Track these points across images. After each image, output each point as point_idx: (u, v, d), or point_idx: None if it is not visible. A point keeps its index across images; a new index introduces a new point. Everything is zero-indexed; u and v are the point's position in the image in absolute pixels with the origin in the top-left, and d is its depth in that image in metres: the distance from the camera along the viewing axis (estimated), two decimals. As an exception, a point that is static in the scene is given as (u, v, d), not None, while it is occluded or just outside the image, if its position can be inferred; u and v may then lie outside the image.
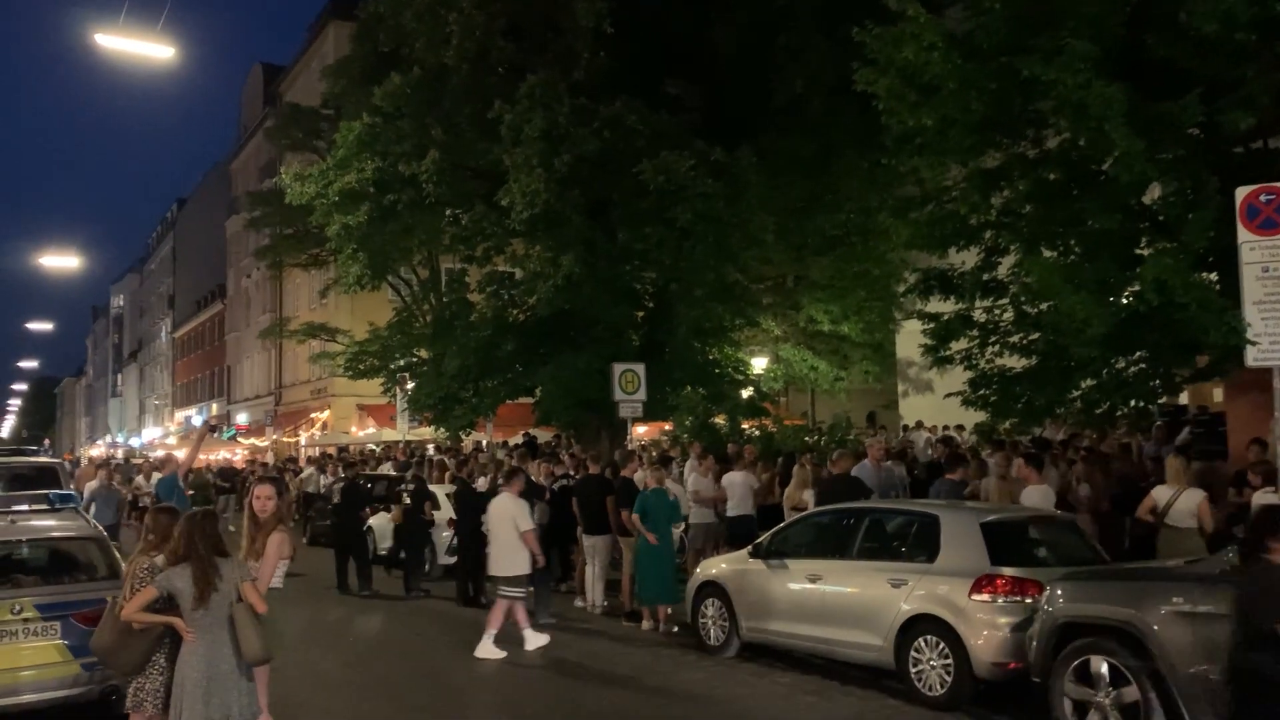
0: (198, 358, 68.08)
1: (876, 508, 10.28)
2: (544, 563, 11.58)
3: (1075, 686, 7.01)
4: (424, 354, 24.67)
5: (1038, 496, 10.34)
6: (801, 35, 18.74)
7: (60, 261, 34.44)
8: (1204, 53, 9.72)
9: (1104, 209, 10.34)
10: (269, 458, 39.05)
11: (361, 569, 15.31)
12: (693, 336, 20.83)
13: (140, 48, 14.62)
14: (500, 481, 14.18)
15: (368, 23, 23.06)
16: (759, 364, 25.51)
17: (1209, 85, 9.78)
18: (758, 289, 23.79)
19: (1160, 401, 12.74)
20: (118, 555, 8.26)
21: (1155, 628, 6.45)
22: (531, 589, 11.46)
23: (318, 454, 34.70)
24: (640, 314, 21.49)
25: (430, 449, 26.63)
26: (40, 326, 69.36)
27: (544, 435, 24.97)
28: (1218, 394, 13.32)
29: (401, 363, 25.84)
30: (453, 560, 15.17)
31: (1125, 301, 10.28)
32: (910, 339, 19.94)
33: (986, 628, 7.99)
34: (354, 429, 38.40)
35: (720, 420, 20.91)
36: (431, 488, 16.30)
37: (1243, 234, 8.94)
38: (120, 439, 79.89)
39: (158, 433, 71.27)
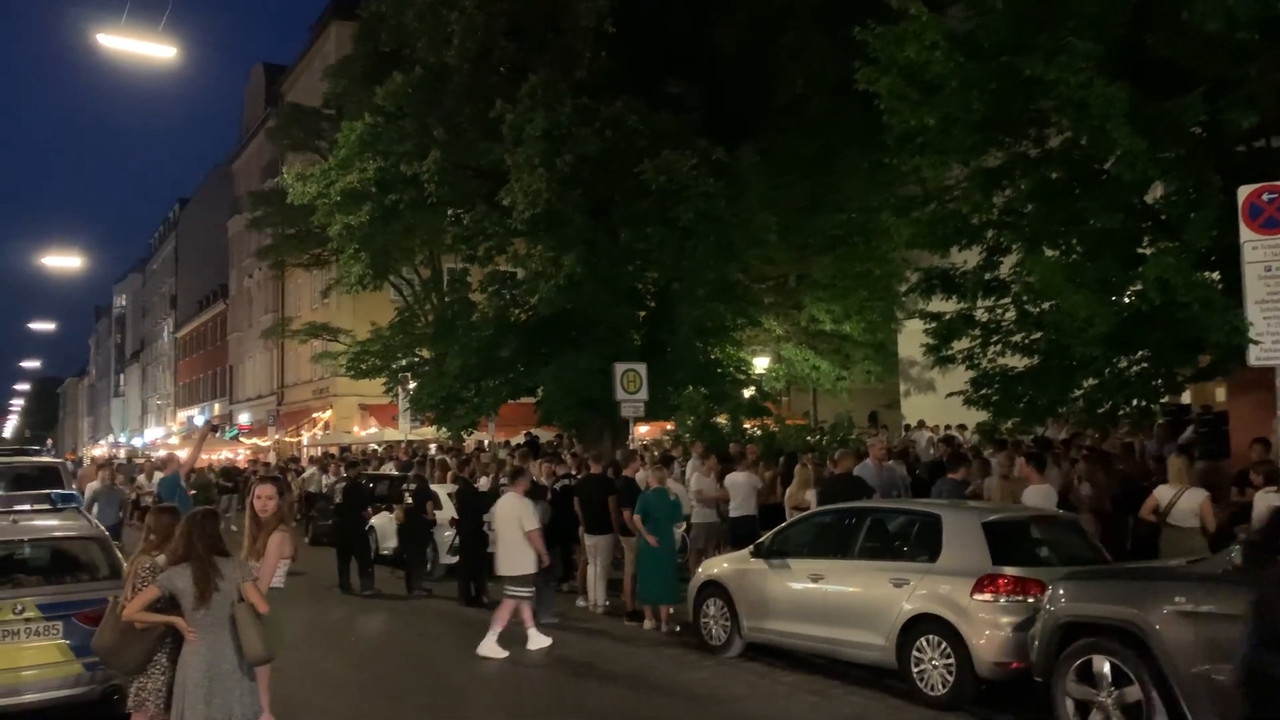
0: (200, 358, 68.12)
1: (878, 507, 10.28)
2: (549, 562, 11.59)
3: (1077, 686, 7.00)
4: (426, 354, 24.68)
5: (1039, 496, 10.33)
6: (802, 35, 18.74)
7: (63, 261, 34.50)
8: (1206, 51, 9.71)
9: (1106, 208, 10.33)
10: (271, 458, 39.06)
11: (363, 569, 15.31)
12: (694, 336, 20.83)
13: (142, 48, 14.62)
14: (502, 481, 14.21)
15: (369, 22, 23.07)
16: (761, 364, 25.48)
17: (1211, 84, 9.76)
18: (759, 289, 23.79)
19: (1163, 401, 12.72)
20: (119, 555, 8.26)
21: (1157, 627, 6.43)
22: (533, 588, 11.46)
23: (320, 454, 34.71)
24: (642, 314, 21.49)
25: (432, 449, 26.63)
26: (43, 326, 69.37)
27: (546, 435, 24.97)
28: (1220, 393, 13.30)
29: (403, 362, 25.84)
30: (455, 560, 15.18)
31: (1127, 301, 10.27)
32: (912, 338, 19.93)
33: (988, 627, 7.98)
34: (356, 429, 38.41)
35: (722, 420, 20.91)
36: (433, 487, 16.30)
37: (1245, 233, 8.94)
38: (123, 439, 79.96)
39: (160, 433, 71.29)
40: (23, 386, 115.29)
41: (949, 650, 8.15)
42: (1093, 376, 11.12)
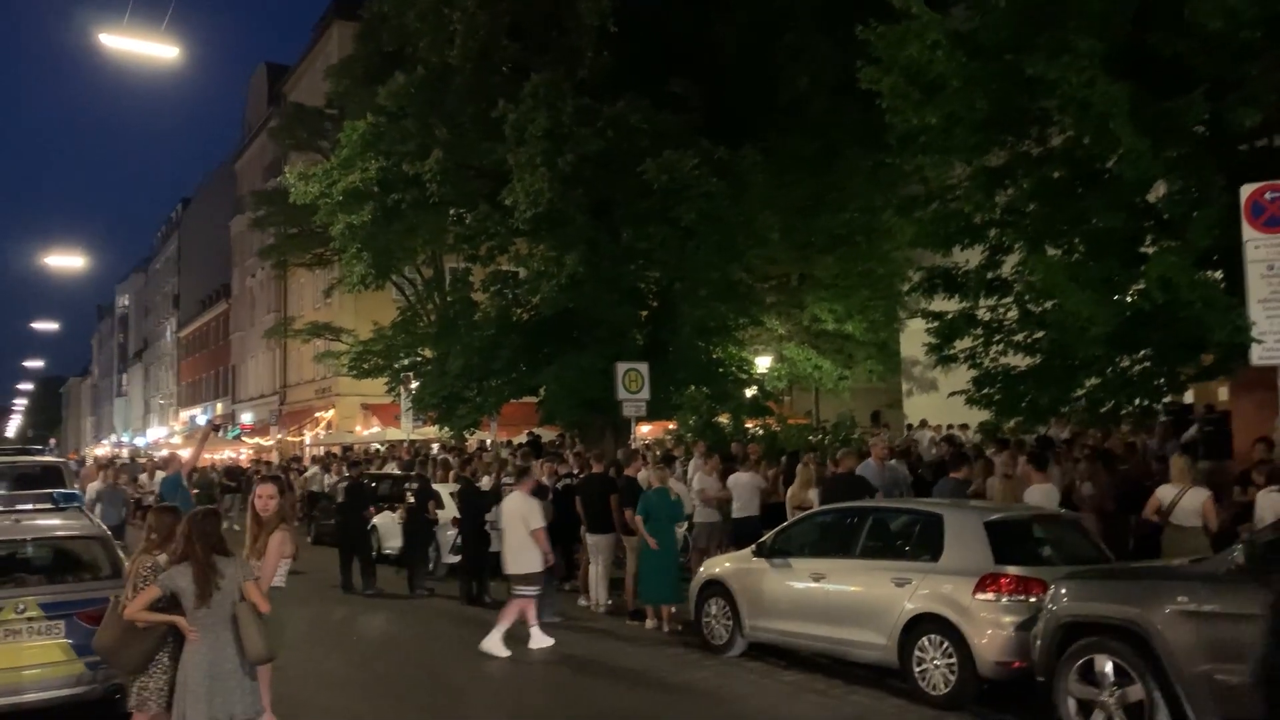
0: (202, 357, 68.18)
1: (880, 507, 10.27)
2: (554, 561, 11.59)
3: (1079, 685, 6.99)
4: (428, 353, 24.69)
5: (1041, 495, 10.33)
6: (803, 34, 18.74)
7: (65, 261, 34.55)
8: (1209, 50, 9.70)
9: (1108, 207, 10.33)
10: (274, 457, 39.09)
11: (365, 568, 15.31)
12: (696, 336, 20.83)
13: (145, 47, 14.63)
14: (505, 480, 14.21)
15: (371, 22, 23.10)
16: (763, 363, 25.48)
17: (1214, 83, 9.75)
18: (762, 288, 23.80)
19: (1165, 401, 12.71)
20: (121, 554, 8.26)
21: (1160, 627, 6.42)
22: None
23: (322, 453, 34.72)
24: (644, 313, 21.49)
25: (434, 448, 26.63)
26: (46, 326, 69.52)
27: (548, 434, 24.97)
28: (1223, 392, 13.29)
29: (406, 362, 25.85)
30: (457, 559, 15.18)
31: (1130, 300, 10.26)
32: (914, 338, 19.92)
33: (990, 627, 7.97)
34: (358, 428, 38.42)
35: (724, 419, 20.91)
36: (435, 487, 16.30)
37: (1247, 232, 8.92)
38: (125, 438, 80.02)
39: (163, 432, 71.35)
40: (26, 386, 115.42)
41: (951, 650, 8.15)
42: (1095, 376, 11.12)
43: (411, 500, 15.53)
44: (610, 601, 13.19)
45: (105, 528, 9.31)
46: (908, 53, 10.87)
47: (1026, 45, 10.17)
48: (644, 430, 23.78)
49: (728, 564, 10.85)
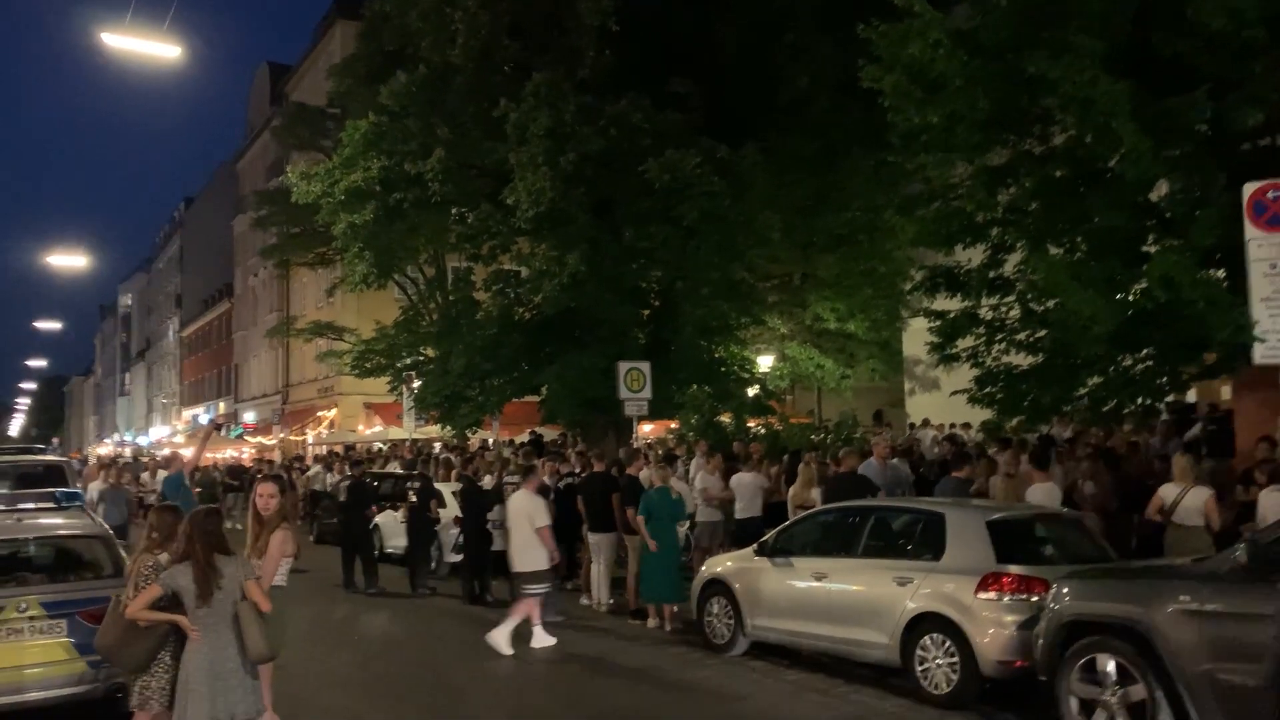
0: (205, 356, 68.24)
1: (882, 506, 10.27)
2: (559, 559, 11.60)
3: (1082, 685, 6.98)
4: (430, 352, 24.69)
5: (1043, 494, 10.32)
6: (804, 34, 18.73)
7: (68, 261, 34.59)
8: (1211, 49, 9.68)
9: (1111, 206, 10.31)
10: (276, 456, 39.11)
11: (368, 567, 15.32)
12: (698, 335, 20.82)
13: (147, 47, 14.63)
14: (507, 479, 14.21)
15: (373, 22, 23.09)
16: (765, 362, 25.46)
17: (1216, 81, 9.73)
18: (764, 287, 23.77)
19: (1168, 400, 12.69)
20: (123, 553, 8.27)
21: (1162, 626, 6.41)
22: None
23: (325, 452, 34.74)
24: (646, 312, 21.48)
25: (437, 447, 26.64)
26: (49, 326, 69.59)
27: (550, 433, 24.97)
28: (1226, 391, 13.27)
29: (408, 361, 25.85)
30: (459, 558, 15.18)
31: (1132, 299, 10.25)
32: (917, 337, 19.91)
33: (992, 626, 7.97)
34: (361, 427, 38.46)
35: (726, 419, 20.90)
36: (438, 486, 16.31)
37: (1250, 230, 8.91)
38: (128, 438, 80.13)
39: (165, 431, 71.45)
40: (29, 385, 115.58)
41: (953, 649, 8.14)
42: (1097, 375, 11.10)
43: (413, 499, 15.54)
44: (612, 601, 13.18)
45: (107, 527, 9.32)
46: (909, 51, 10.85)
47: (1028, 44, 10.15)
48: (646, 429, 23.78)
49: (729, 563, 10.85)
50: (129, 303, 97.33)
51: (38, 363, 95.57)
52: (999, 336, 12.05)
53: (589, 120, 17.92)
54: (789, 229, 19.90)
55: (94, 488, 17.01)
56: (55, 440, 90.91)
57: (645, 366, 18.03)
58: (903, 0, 10.96)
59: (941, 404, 18.97)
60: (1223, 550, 7.26)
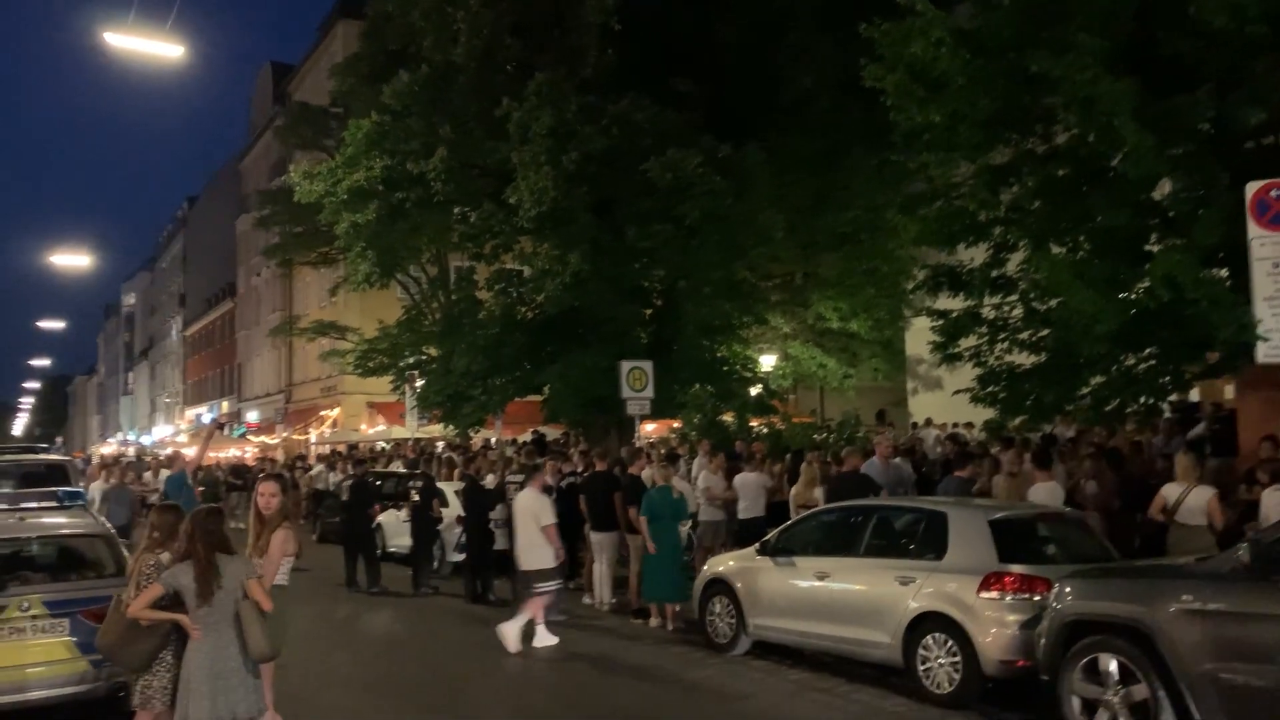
0: (208, 355, 68.32)
1: (884, 505, 10.26)
2: (565, 557, 11.60)
3: (1084, 684, 6.96)
4: (433, 352, 24.71)
5: (1045, 494, 10.30)
6: (806, 33, 18.73)
7: (71, 260, 34.66)
8: (1213, 47, 9.67)
9: (1113, 205, 10.30)
10: (279, 455, 39.13)
11: (370, 566, 15.33)
12: (701, 334, 20.82)
13: (150, 46, 14.63)
14: (509, 478, 14.21)
15: (376, 21, 23.13)
16: (767, 361, 25.46)
17: (1219, 80, 9.72)
18: (766, 286, 23.77)
19: (1171, 399, 12.67)
20: (125, 552, 8.28)
21: (1164, 626, 6.40)
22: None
23: (327, 451, 34.77)
24: (648, 311, 21.48)
25: (439, 446, 26.65)
26: (52, 325, 69.58)
27: (553, 433, 24.97)
28: (1229, 390, 13.25)
29: (411, 360, 25.87)
30: (461, 557, 15.19)
31: (1135, 298, 10.23)
32: (919, 336, 19.90)
33: (995, 625, 7.96)
34: (364, 426, 38.48)
35: (728, 418, 20.89)
36: (440, 485, 16.31)
37: (1253, 229, 8.90)
38: (131, 437, 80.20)
39: (168, 431, 71.53)
40: (32, 385, 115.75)
41: (955, 648, 8.13)
42: (1100, 374, 11.08)
43: (416, 498, 15.54)
44: (614, 600, 13.18)
45: (109, 525, 9.33)
46: (912, 50, 10.84)
47: (1030, 43, 10.14)
48: (648, 429, 23.78)
49: (731, 562, 10.84)
50: (132, 302, 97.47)
51: (41, 362, 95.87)
52: (1001, 336, 12.04)
53: (591, 119, 17.92)
54: (791, 228, 19.90)
55: (95, 488, 17.02)
56: (59, 439, 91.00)
57: (648, 366, 18.03)
58: (905, -1, 10.96)
59: (944, 403, 18.96)
60: (1225, 550, 7.26)
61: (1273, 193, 8.84)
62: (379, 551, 16.36)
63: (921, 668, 8.39)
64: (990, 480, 12.08)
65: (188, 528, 6.02)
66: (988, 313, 12.22)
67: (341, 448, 33.51)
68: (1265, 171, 9.26)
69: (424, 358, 25.35)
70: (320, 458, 32.70)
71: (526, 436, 25.22)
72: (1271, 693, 5.84)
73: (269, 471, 16.27)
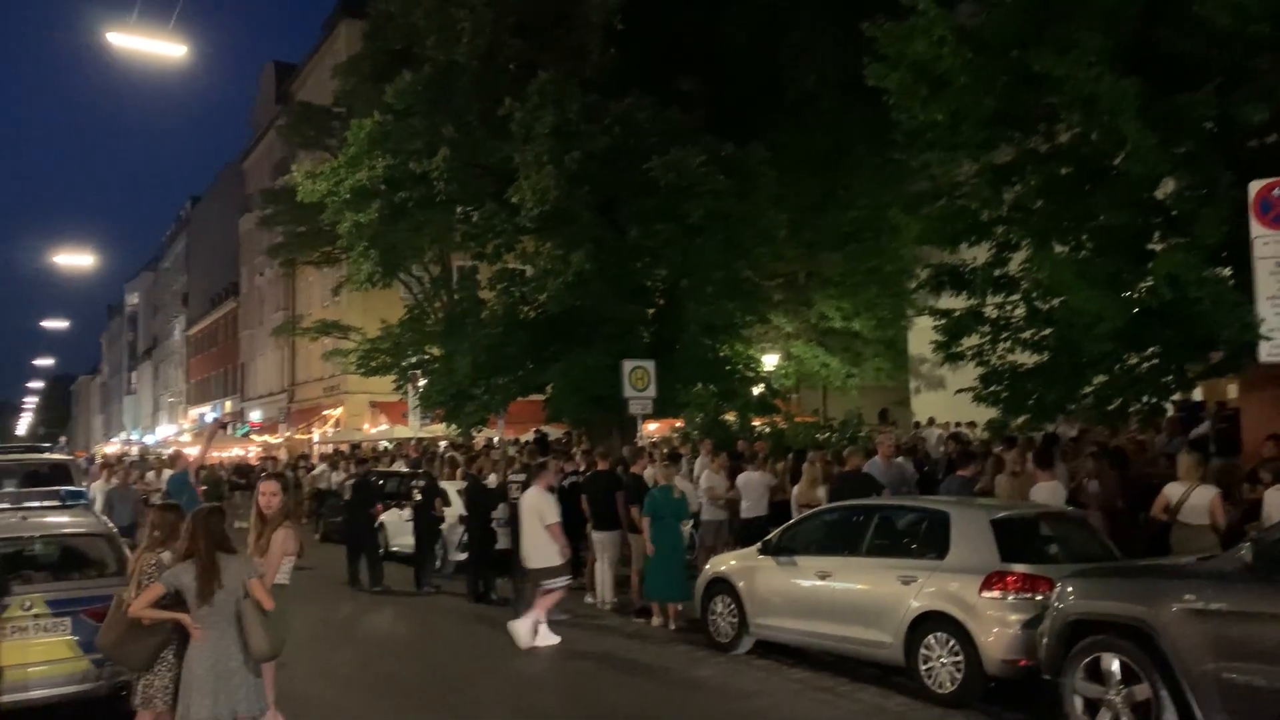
0: (211, 355, 68.40)
1: (886, 504, 10.25)
2: (569, 555, 11.60)
3: (1086, 684, 6.96)
4: (435, 351, 24.71)
5: (1047, 493, 10.28)
6: (808, 32, 18.73)
7: (75, 260, 34.62)
8: (1217, 45, 9.65)
9: (1116, 204, 10.29)
10: (282, 454, 39.16)
11: (372, 565, 15.34)
12: (703, 333, 20.81)
13: (153, 46, 14.64)
14: (510, 478, 14.21)
15: (379, 21, 23.11)
16: (770, 361, 25.46)
17: (1222, 78, 9.70)
18: (769, 286, 23.77)
19: (1174, 398, 12.65)
20: (127, 551, 8.29)
21: (1166, 625, 6.39)
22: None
23: (330, 451, 34.79)
24: (651, 311, 21.47)
25: (442, 446, 26.66)
26: (56, 325, 69.52)
27: (555, 432, 24.98)
28: (1233, 389, 13.24)
29: (413, 360, 25.86)
30: (464, 556, 15.19)
31: (1137, 297, 10.22)
32: (922, 335, 19.89)
33: (997, 625, 7.95)
34: (366, 426, 38.51)
35: (731, 417, 20.88)
36: (443, 484, 16.32)
37: (1256, 228, 8.89)
38: (135, 436, 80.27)
39: (172, 430, 71.58)
40: (36, 384, 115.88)
41: (957, 647, 8.12)
42: (1102, 373, 11.07)
43: (419, 498, 15.55)
44: (616, 599, 13.17)
45: (111, 525, 9.34)
46: (914, 49, 10.84)
47: (1033, 41, 10.13)
48: (650, 428, 23.78)
49: (733, 562, 10.83)
50: (135, 302, 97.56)
51: (44, 362, 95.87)
52: (1004, 335, 12.03)
53: (594, 119, 17.91)
54: (794, 227, 19.91)
55: (98, 487, 17.03)
56: (62, 439, 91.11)
57: (650, 365, 18.02)
58: (907, -3, 10.95)
59: (946, 403, 18.95)
60: (1228, 549, 7.24)
61: (1275, 191, 8.83)
62: (381, 551, 16.37)
63: (923, 667, 8.38)
64: (992, 480, 12.05)
65: (189, 527, 6.02)
66: (990, 312, 12.21)
67: (344, 447, 33.54)
68: (1268, 170, 9.24)
69: (426, 357, 25.34)
70: (323, 457, 32.71)
71: (529, 436, 25.25)
72: (1274, 692, 5.83)
73: (270, 471, 16.30)
